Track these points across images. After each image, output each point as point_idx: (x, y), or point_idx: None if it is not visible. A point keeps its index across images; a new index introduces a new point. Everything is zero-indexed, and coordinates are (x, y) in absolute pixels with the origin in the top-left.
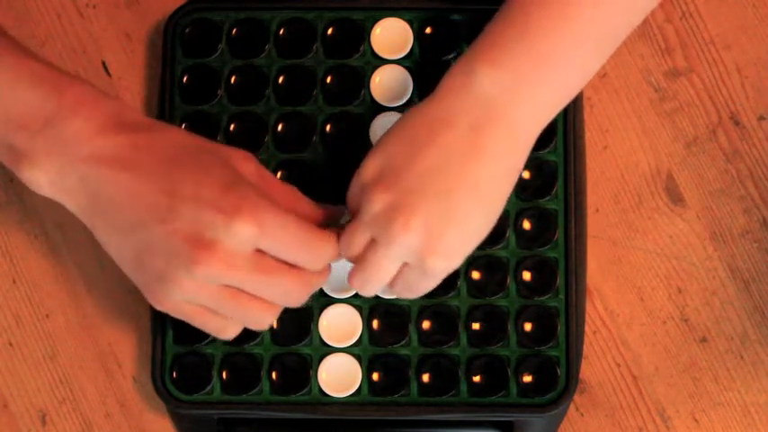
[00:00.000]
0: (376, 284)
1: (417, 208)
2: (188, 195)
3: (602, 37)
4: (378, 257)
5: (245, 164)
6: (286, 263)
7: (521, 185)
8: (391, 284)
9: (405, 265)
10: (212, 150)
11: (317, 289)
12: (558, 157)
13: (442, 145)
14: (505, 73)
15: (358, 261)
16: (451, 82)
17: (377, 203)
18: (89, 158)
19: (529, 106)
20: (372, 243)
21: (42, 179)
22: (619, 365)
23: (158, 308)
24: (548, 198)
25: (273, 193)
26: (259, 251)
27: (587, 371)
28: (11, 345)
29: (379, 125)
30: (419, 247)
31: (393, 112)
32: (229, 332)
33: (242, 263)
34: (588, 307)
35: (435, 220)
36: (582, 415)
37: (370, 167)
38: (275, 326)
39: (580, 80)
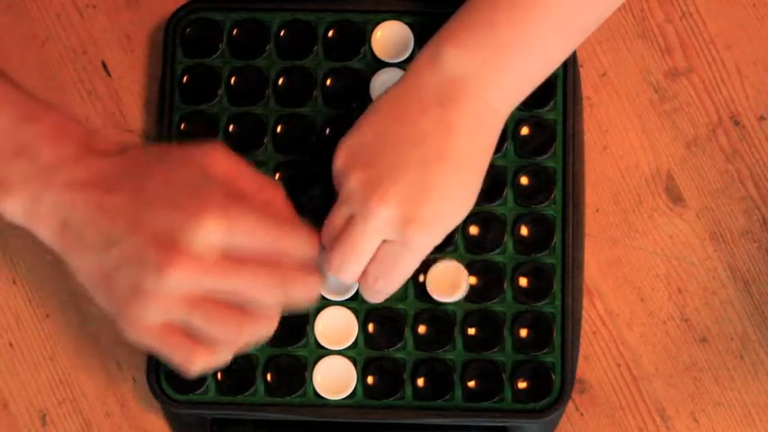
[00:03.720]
0: (353, 266)
1: (393, 180)
2: (155, 203)
3: (569, 29)
4: (356, 234)
5: (217, 163)
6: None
7: (519, 191)
8: (367, 268)
9: (383, 244)
10: (181, 156)
11: (297, 293)
12: (556, 163)
13: (411, 120)
14: (470, 56)
15: (336, 241)
16: (419, 63)
17: (353, 181)
18: (62, 184)
19: (494, 89)
20: (350, 220)
21: (17, 207)
22: (619, 365)
23: (133, 335)
24: (545, 204)
25: (246, 188)
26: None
27: (587, 371)
28: (11, 345)
29: None
30: (398, 218)
31: None
32: (198, 358)
33: (212, 262)
34: (588, 307)
35: (412, 190)
36: (582, 415)
37: (344, 152)
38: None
39: (546, 68)
